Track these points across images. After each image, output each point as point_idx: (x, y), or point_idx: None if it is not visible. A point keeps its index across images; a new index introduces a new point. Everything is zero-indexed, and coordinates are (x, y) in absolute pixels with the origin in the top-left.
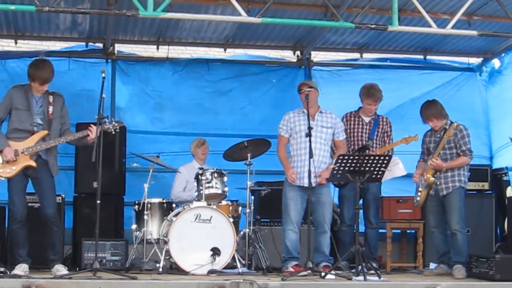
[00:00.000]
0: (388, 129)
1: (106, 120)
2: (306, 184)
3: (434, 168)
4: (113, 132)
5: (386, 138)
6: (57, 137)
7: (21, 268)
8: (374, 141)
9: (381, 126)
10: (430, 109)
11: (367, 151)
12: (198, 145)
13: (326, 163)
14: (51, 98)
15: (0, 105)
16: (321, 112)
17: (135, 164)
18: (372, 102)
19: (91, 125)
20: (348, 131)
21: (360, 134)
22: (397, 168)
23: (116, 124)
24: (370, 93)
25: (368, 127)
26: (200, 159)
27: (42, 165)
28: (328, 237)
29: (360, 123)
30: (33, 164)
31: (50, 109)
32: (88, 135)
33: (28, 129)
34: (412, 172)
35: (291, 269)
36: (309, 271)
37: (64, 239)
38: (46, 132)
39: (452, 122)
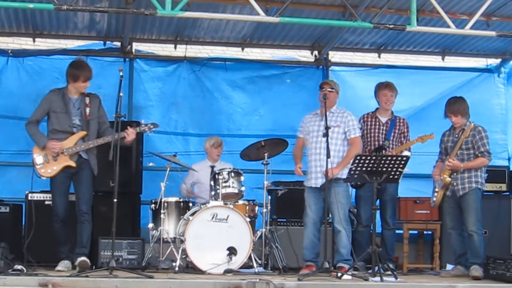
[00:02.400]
0: (405, 130)
1: (143, 122)
2: (314, 185)
3: (451, 169)
4: (149, 134)
5: (403, 139)
6: (95, 137)
7: (64, 264)
8: (391, 142)
9: (398, 127)
10: (459, 104)
11: (383, 151)
12: (215, 145)
13: (336, 162)
14: (87, 100)
15: (38, 108)
16: (331, 112)
17: (151, 164)
18: (388, 92)
19: (128, 127)
20: (365, 131)
21: (377, 134)
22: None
23: (152, 126)
24: (384, 84)
25: (385, 128)
26: (214, 159)
27: (84, 164)
28: (343, 236)
29: (377, 123)
30: (73, 164)
31: (87, 110)
32: (125, 137)
33: (67, 130)
34: (429, 173)
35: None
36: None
37: None
38: (84, 132)
39: (470, 123)
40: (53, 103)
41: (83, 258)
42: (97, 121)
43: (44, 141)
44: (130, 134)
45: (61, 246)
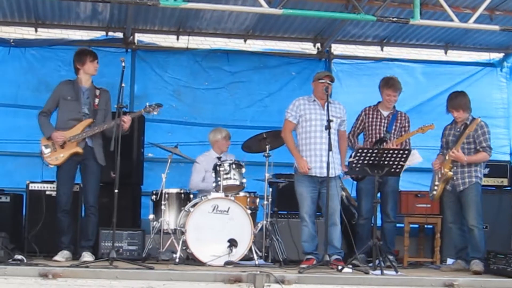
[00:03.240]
0: (406, 124)
1: (147, 104)
2: (317, 174)
3: (454, 159)
4: (155, 113)
5: (403, 133)
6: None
7: (63, 255)
8: (392, 134)
9: (399, 121)
10: (461, 99)
11: (384, 143)
12: (226, 137)
13: (337, 152)
14: (97, 92)
15: (49, 98)
16: (329, 102)
17: (150, 155)
18: (391, 92)
19: (124, 116)
20: (367, 124)
21: (378, 127)
22: (412, 157)
23: (156, 106)
24: (389, 83)
25: (386, 121)
26: (222, 150)
27: (89, 152)
28: (339, 230)
29: (379, 116)
30: (80, 150)
31: (96, 101)
32: (122, 125)
33: (76, 117)
34: (430, 167)
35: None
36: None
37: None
38: (91, 120)
39: (473, 118)
40: (63, 91)
41: (88, 254)
42: (103, 113)
43: (50, 131)
44: (126, 122)
45: (62, 236)
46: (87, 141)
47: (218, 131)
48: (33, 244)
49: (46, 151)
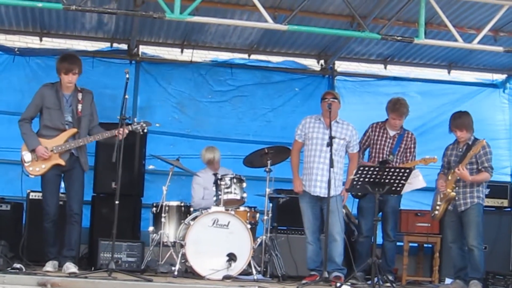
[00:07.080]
0: (412, 146)
1: (135, 120)
2: (316, 193)
3: (459, 177)
4: (141, 132)
5: (408, 155)
6: (85, 134)
7: (53, 265)
8: (396, 156)
9: (404, 142)
10: (464, 119)
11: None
12: (210, 161)
13: (338, 173)
14: (80, 96)
15: (31, 104)
16: (337, 122)
17: (151, 167)
18: (396, 117)
19: (120, 128)
20: (372, 141)
21: (383, 147)
22: (416, 180)
23: (144, 125)
24: (395, 108)
25: (391, 141)
26: (215, 168)
27: (74, 161)
28: (339, 246)
29: (385, 135)
30: (62, 163)
31: (79, 107)
32: (116, 135)
33: (59, 127)
34: (432, 185)
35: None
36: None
37: (81, 238)
38: (75, 130)
39: (476, 138)
40: (46, 99)
41: (71, 265)
42: (88, 118)
43: (34, 144)
44: (121, 134)
45: (50, 246)
46: (73, 151)
47: (206, 153)
48: (24, 257)
49: (27, 159)
